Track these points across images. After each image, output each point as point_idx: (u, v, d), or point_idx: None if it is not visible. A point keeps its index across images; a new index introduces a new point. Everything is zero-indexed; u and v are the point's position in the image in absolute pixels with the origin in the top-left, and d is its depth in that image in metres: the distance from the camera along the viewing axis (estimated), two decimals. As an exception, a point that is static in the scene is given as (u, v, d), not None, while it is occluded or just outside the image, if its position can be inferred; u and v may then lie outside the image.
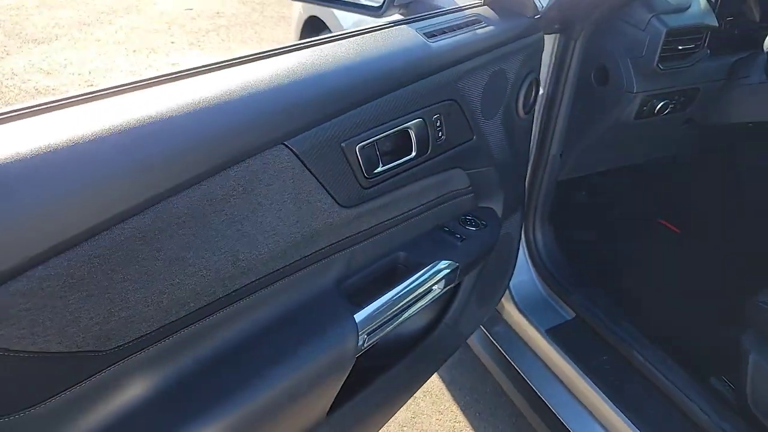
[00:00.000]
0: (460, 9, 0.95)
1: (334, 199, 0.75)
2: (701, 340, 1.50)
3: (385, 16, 0.99)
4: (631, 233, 1.85)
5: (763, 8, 1.25)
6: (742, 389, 1.11)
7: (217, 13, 4.75)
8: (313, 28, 2.07)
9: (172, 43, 4.04)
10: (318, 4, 1.74)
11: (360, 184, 0.78)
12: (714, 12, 1.15)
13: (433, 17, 0.90)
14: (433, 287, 0.93)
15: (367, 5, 1.00)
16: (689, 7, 1.10)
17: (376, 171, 0.80)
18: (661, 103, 1.20)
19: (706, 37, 1.15)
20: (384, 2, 0.96)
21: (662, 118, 1.25)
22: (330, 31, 1.95)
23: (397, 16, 0.97)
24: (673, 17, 1.09)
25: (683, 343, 1.47)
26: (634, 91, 1.15)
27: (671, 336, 1.49)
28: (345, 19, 1.75)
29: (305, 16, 2.08)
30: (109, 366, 0.62)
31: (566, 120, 1.26)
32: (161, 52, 3.86)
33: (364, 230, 0.85)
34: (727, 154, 1.68)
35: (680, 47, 1.12)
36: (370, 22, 0.92)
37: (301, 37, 2.17)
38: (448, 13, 0.92)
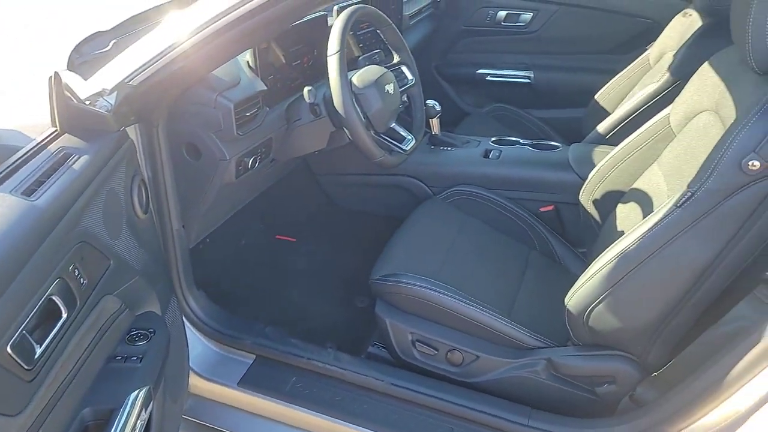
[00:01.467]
0: (40, 146, 0.89)
1: (4, 415, 0.65)
2: (351, 323, 1.84)
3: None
4: (262, 258, 2.08)
5: (286, 62, 1.55)
6: (391, 346, 1.46)
7: None
8: None
9: None
10: None
11: (25, 380, 0.70)
12: (259, 77, 1.38)
13: (18, 167, 0.82)
14: (137, 423, 0.90)
15: None
16: (240, 80, 1.29)
17: (36, 357, 0.72)
18: (251, 159, 1.39)
19: (262, 99, 1.37)
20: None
21: (256, 168, 1.44)
22: None
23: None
24: (232, 92, 1.26)
25: (338, 332, 1.79)
26: (228, 158, 1.30)
27: (327, 331, 1.79)
28: None
29: None
30: None
31: (176, 197, 1.32)
32: None
33: (41, 413, 0.76)
34: (306, 169, 2.04)
35: (247, 113, 1.31)
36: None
37: None
38: (30, 158, 0.85)
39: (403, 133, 1.57)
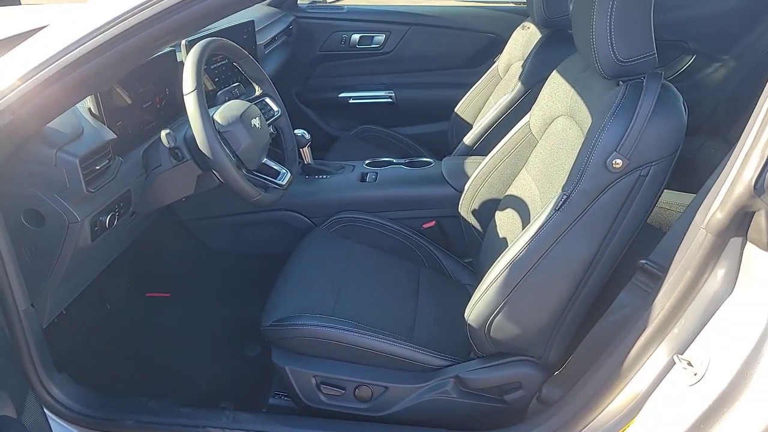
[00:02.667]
0: None
1: None
2: (245, 375, 1.71)
3: None
4: (134, 321, 1.87)
5: (134, 104, 1.39)
6: (295, 394, 1.36)
7: None
8: None
9: None
10: None
11: None
12: (105, 125, 1.22)
13: None
14: None
15: None
16: (83, 130, 1.13)
17: None
18: (108, 217, 1.23)
19: (112, 149, 1.22)
20: None
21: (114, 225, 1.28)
22: None
23: None
24: (75, 145, 1.10)
25: (233, 389, 1.65)
26: (79, 220, 1.13)
27: (220, 390, 1.64)
28: None
29: None
30: None
31: (18, 274, 1.12)
32: None
33: None
34: (172, 215, 1.87)
35: (97, 167, 1.15)
36: None
37: None
38: None
39: (276, 167, 1.49)
